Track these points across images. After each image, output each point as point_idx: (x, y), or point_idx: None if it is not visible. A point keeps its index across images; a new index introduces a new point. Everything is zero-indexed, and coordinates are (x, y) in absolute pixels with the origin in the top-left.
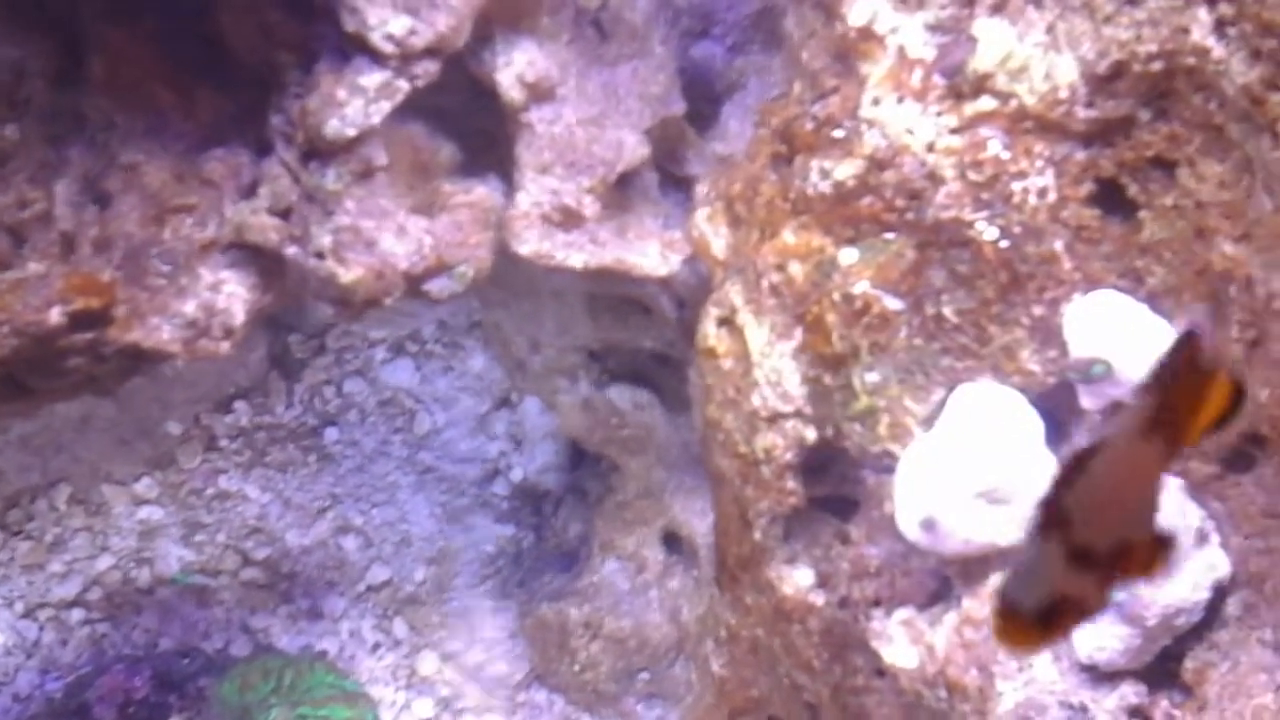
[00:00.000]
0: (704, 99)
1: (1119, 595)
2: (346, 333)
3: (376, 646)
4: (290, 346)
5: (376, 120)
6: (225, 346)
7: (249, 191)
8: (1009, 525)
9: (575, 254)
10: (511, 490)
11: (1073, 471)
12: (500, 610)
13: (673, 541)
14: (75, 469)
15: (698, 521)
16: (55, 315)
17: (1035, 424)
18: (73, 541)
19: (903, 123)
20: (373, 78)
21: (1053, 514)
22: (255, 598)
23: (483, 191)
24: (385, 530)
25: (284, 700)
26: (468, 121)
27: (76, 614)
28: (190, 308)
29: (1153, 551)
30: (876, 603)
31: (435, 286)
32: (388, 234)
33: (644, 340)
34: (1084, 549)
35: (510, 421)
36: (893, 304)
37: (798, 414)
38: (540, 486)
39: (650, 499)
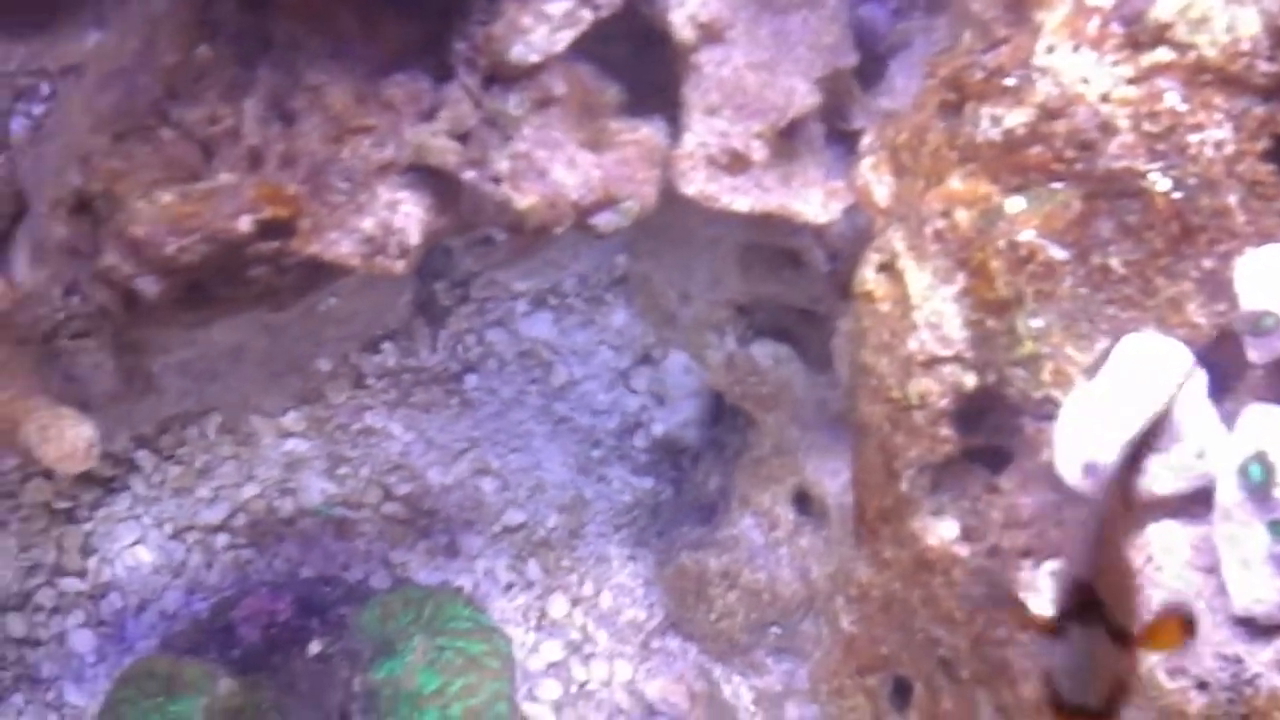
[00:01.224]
0: (868, 57)
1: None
2: (490, 283)
3: (509, 586)
4: (436, 293)
5: (559, 48)
6: (400, 265)
7: (428, 116)
8: (1168, 475)
9: (740, 197)
10: (651, 444)
11: (1093, 554)
12: (634, 559)
13: (803, 500)
14: (227, 398)
15: (829, 481)
16: (245, 223)
17: (1198, 376)
18: (221, 469)
19: (1077, 71)
20: (558, 5)
21: (1090, 600)
22: (395, 532)
23: (648, 131)
24: (521, 475)
25: (423, 630)
26: (631, 71)
27: (222, 539)
28: (368, 224)
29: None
30: (1026, 553)
31: (601, 220)
32: (559, 164)
33: (792, 295)
34: (1121, 631)
35: (652, 377)
36: (1058, 253)
37: (957, 359)
38: (681, 441)
39: (784, 456)
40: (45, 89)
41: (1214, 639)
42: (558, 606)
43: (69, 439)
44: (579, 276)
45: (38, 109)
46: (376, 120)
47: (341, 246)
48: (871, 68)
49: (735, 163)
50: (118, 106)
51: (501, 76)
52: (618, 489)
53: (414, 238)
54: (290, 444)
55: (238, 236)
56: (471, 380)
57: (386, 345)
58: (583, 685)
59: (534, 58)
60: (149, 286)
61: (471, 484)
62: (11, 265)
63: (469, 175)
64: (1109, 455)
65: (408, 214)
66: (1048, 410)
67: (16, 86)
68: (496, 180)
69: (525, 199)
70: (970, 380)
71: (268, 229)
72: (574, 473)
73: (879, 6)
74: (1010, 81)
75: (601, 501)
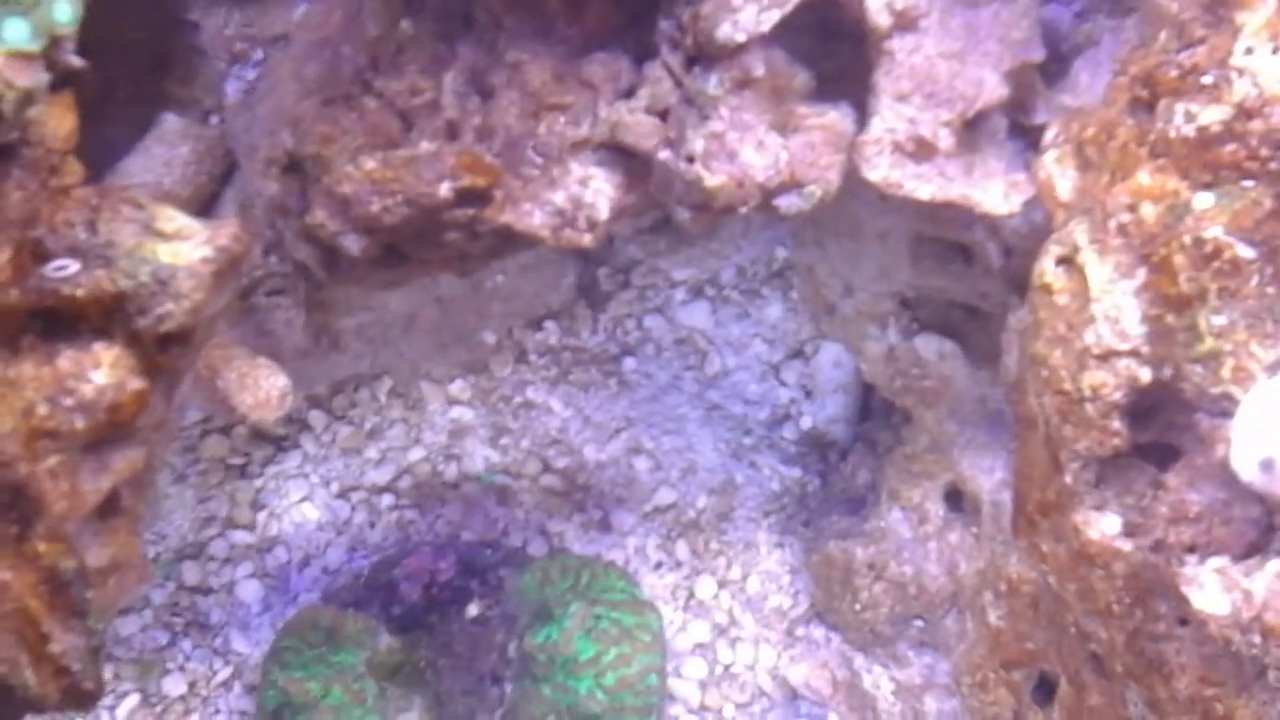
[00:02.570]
0: (1051, 55)
1: None
2: (651, 271)
3: (659, 565)
4: (599, 278)
5: (766, 28)
6: (588, 238)
7: (626, 94)
8: None
9: (923, 185)
10: (799, 436)
11: None
12: (781, 546)
13: (955, 497)
14: (398, 364)
15: (983, 478)
16: (444, 189)
17: None
18: (389, 431)
19: (1276, 73)
20: None
21: None
22: (552, 503)
23: (835, 116)
24: (673, 456)
25: (581, 598)
26: (817, 59)
27: (386, 499)
28: (559, 198)
29: None
30: (1191, 549)
31: (785, 202)
32: (749, 146)
33: (959, 289)
34: None
35: (802, 372)
36: (1245, 251)
37: (1133, 353)
38: (828, 436)
39: (938, 453)
40: (257, 55)
41: None
42: (705, 588)
43: (265, 387)
44: (737, 268)
45: (250, 73)
46: (574, 98)
47: (533, 218)
48: (1054, 65)
49: (921, 150)
50: (324, 75)
51: (705, 56)
52: (767, 476)
53: (603, 213)
54: (456, 411)
55: (437, 201)
56: (629, 363)
57: (549, 324)
58: (728, 667)
59: (740, 37)
60: (352, 243)
61: (625, 462)
62: None
63: (663, 154)
64: None
65: (598, 189)
66: (1225, 407)
67: (233, 51)
68: (690, 159)
69: (715, 178)
70: (1146, 375)
71: (465, 196)
72: (725, 457)
73: (1062, 7)
74: (1207, 80)
75: (751, 487)
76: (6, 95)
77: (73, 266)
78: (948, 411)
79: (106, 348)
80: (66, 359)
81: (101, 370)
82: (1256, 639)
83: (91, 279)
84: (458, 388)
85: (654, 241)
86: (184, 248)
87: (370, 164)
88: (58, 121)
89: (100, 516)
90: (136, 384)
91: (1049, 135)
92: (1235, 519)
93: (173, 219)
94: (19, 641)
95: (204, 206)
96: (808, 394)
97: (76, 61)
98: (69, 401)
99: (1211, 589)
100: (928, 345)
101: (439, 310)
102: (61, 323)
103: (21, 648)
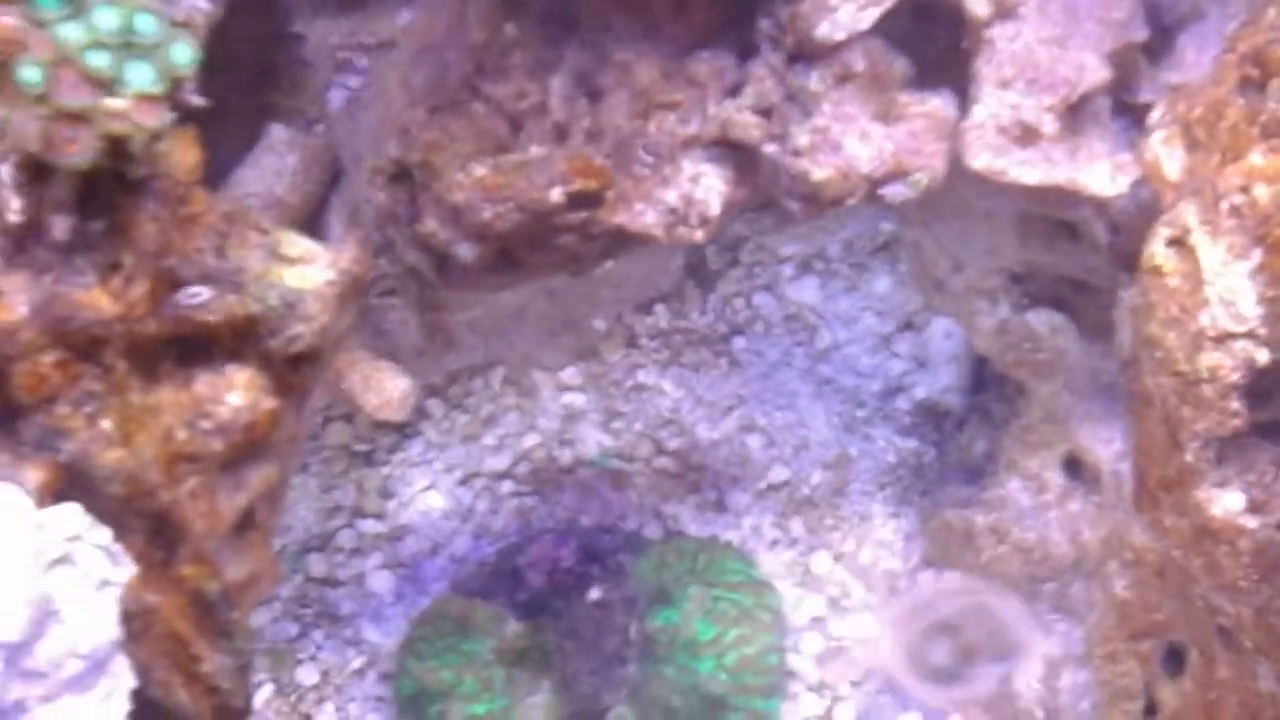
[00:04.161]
0: (1156, 29)
1: None
2: (759, 248)
3: (774, 543)
4: (706, 258)
5: (864, 25)
6: (701, 234)
7: (731, 92)
8: None
9: (1028, 170)
10: (914, 406)
11: None
12: (897, 516)
13: (1073, 466)
14: (510, 354)
15: (1101, 448)
16: (556, 194)
17: None
18: (505, 418)
19: None
20: None
21: None
22: (666, 485)
23: (937, 103)
24: (786, 433)
25: (698, 580)
26: (915, 45)
27: (506, 485)
28: (671, 196)
29: None
30: None
31: (891, 191)
32: (853, 137)
33: (1068, 265)
34: None
35: (914, 343)
36: None
37: (1250, 335)
38: (942, 405)
39: (1054, 424)
40: (361, 63)
41: None
42: (821, 563)
43: (389, 389)
44: (844, 243)
45: (354, 81)
46: (682, 96)
47: (646, 217)
48: (1159, 40)
49: (1025, 135)
50: (430, 82)
51: (805, 54)
52: (881, 448)
53: (714, 209)
54: (568, 397)
55: (549, 206)
56: (739, 342)
57: (658, 307)
58: (841, 640)
59: (839, 35)
60: (465, 251)
61: (739, 440)
62: (328, 228)
63: (770, 149)
64: None
65: (709, 186)
66: None
67: (337, 60)
68: (796, 154)
69: (821, 171)
70: (1263, 356)
71: (577, 200)
72: (839, 431)
73: None
74: None
75: (866, 460)
76: (136, 136)
77: (205, 293)
78: (1062, 384)
79: (240, 370)
80: (202, 383)
81: (236, 392)
82: None
83: (223, 304)
84: (569, 374)
85: (760, 219)
86: (309, 271)
87: (480, 170)
88: (183, 155)
89: (237, 532)
90: (270, 403)
91: (1155, 115)
92: None
93: (296, 243)
94: (172, 664)
95: (313, 213)
96: (920, 365)
97: (198, 100)
98: (206, 424)
99: None
100: (1039, 319)
101: (549, 301)
102: (196, 347)
103: (174, 670)
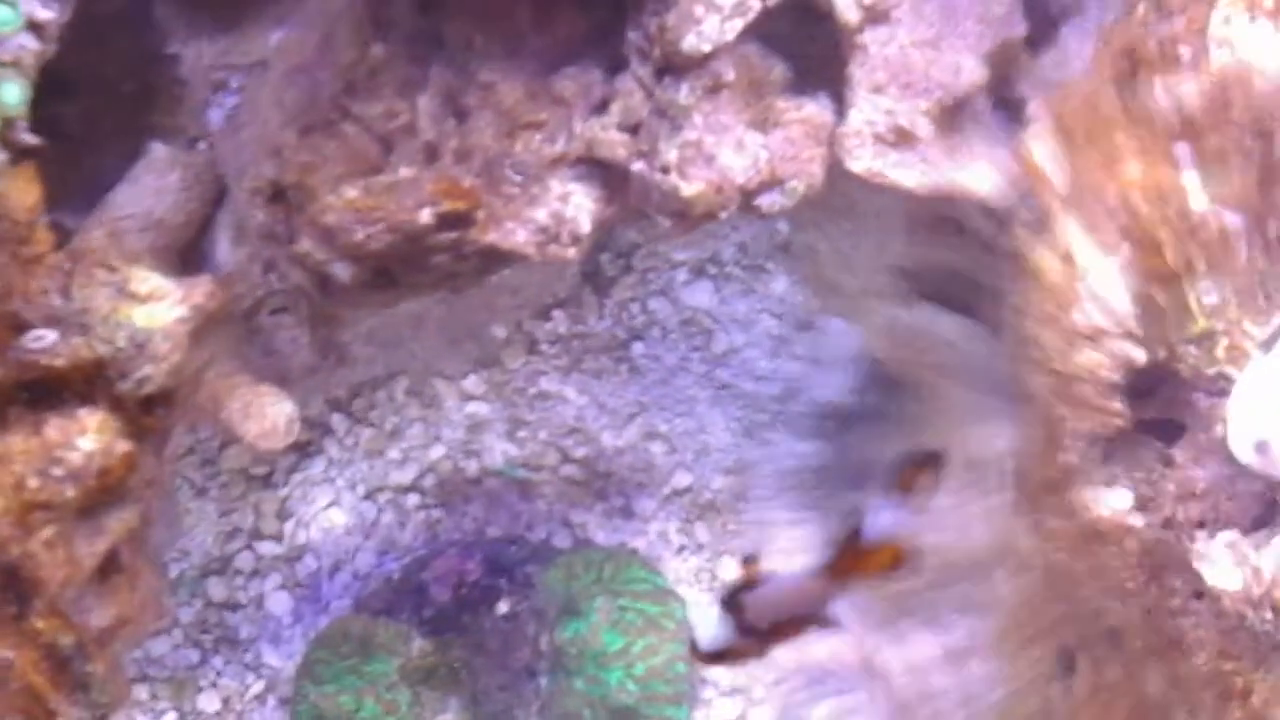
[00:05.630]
0: (1040, 19)
1: None
2: (651, 254)
3: (681, 549)
4: (601, 264)
5: (730, 37)
6: (573, 252)
7: (599, 108)
8: None
9: (907, 173)
10: (813, 409)
11: None
12: (799, 523)
13: (970, 467)
14: (411, 364)
15: (993, 446)
16: (426, 215)
17: None
18: (409, 431)
19: (1253, 42)
20: None
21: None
22: (574, 493)
23: (814, 109)
24: (686, 439)
25: (605, 590)
26: (795, 47)
27: (412, 499)
28: (542, 215)
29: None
30: (1200, 525)
31: (766, 201)
32: (727, 148)
33: (958, 261)
34: None
35: (812, 344)
36: (1232, 221)
37: (1125, 332)
38: (843, 407)
39: (948, 423)
40: (236, 82)
41: None
42: (727, 568)
43: (270, 416)
44: (738, 245)
45: (231, 100)
46: (548, 115)
47: (517, 236)
48: (1041, 32)
49: (901, 139)
50: (301, 101)
51: (674, 67)
52: (781, 453)
53: (585, 226)
54: (472, 407)
55: (419, 227)
56: (638, 347)
57: (556, 313)
58: None
59: (706, 47)
60: (341, 271)
61: (642, 447)
62: (215, 246)
63: (637, 166)
64: None
65: (579, 205)
66: (1222, 386)
67: (212, 80)
68: (665, 170)
69: (692, 187)
70: (1139, 355)
71: (446, 220)
72: (738, 436)
73: None
74: (1185, 51)
75: (766, 465)
76: None
77: (50, 336)
78: (954, 382)
79: (91, 413)
80: (53, 428)
81: (88, 436)
82: (1269, 615)
83: (70, 347)
84: (472, 383)
85: (653, 225)
86: (159, 309)
87: (352, 192)
88: (21, 195)
89: (100, 578)
90: (124, 446)
91: (1031, 109)
92: (1241, 494)
93: (146, 279)
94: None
95: (198, 231)
96: (819, 366)
97: (31, 139)
98: (59, 471)
99: (1223, 564)
100: (929, 317)
101: (447, 308)
102: (45, 392)
103: None
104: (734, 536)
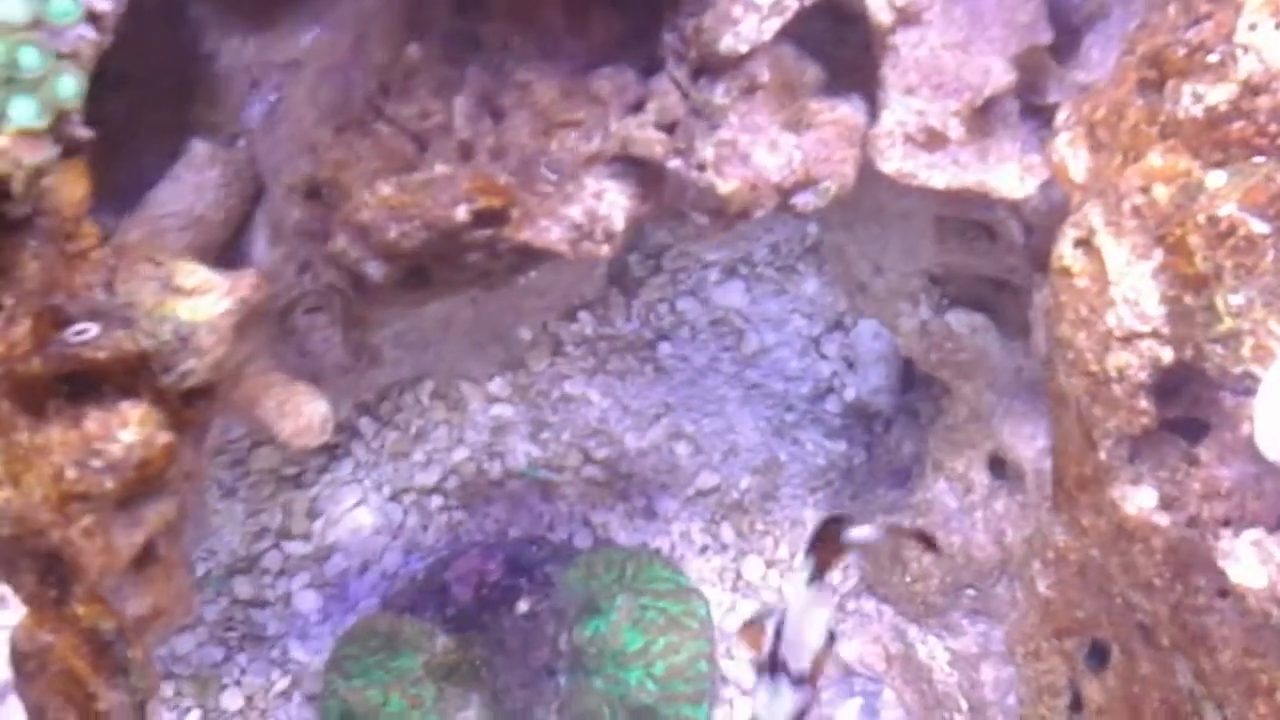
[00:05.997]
0: (1063, 29)
1: None
2: (682, 254)
3: (704, 549)
4: (629, 265)
5: (768, 37)
6: (606, 249)
7: (634, 108)
8: None
9: (937, 174)
10: (843, 409)
11: None
12: None
13: (998, 465)
14: (438, 367)
15: (1024, 446)
16: (461, 212)
17: None
18: (434, 433)
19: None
20: None
21: None
22: (595, 494)
23: (847, 110)
24: (714, 439)
25: (625, 590)
26: (828, 49)
27: (436, 500)
28: (576, 213)
29: None
30: (1226, 523)
31: (801, 200)
32: (761, 148)
33: (986, 266)
34: None
35: (843, 344)
36: (1260, 227)
37: (1154, 334)
38: (872, 406)
39: (979, 423)
40: (275, 79)
41: None
42: (752, 568)
43: (305, 414)
44: (770, 246)
45: (270, 97)
46: (584, 114)
47: (551, 234)
48: (1066, 40)
49: (932, 141)
50: (336, 100)
51: (710, 67)
52: (811, 452)
53: (619, 224)
54: (496, 409)
55: (454, 224)
56: (665, 348)
57: (583, 314)
58: None
59: (743, 48)
60: (374, 270)
61: (666, 448)
62: (252, 244)
63: (674, 164)
64: None
65: (613, 202)
66: (1248, 385)
67: (250, 78)
68: (701, 168)
69: (728, 184)
70: (1168, 355)
71: (482, 217)
72: (768, 436)
73: None
74: (1212, 58)
75: (795, 464)
76: (16, 174)
77: (93, 330)
78: (985, 383)
79: (133, 406)
80: (93, 420)
81: (129, 429)
82: None
83: (112, 340)
84: (497, 386)
85: (683, 225)
86: (204, 303)
87: (386, 190)
88: (70, 189)
89: (137, 568)
90: (164, 439)
91: (1061, 116)
92: (1267, 493)
93: (192, 273)
94: (67, 702)
95: (237, 228)
96: (850, 366)
97: (84, 133)
98: (98, 463)
99: (1248, 562)
100: (959, 320)
101: (474, 311)
102: (86, 384)
103: (70, 709)
104: (761, 536)
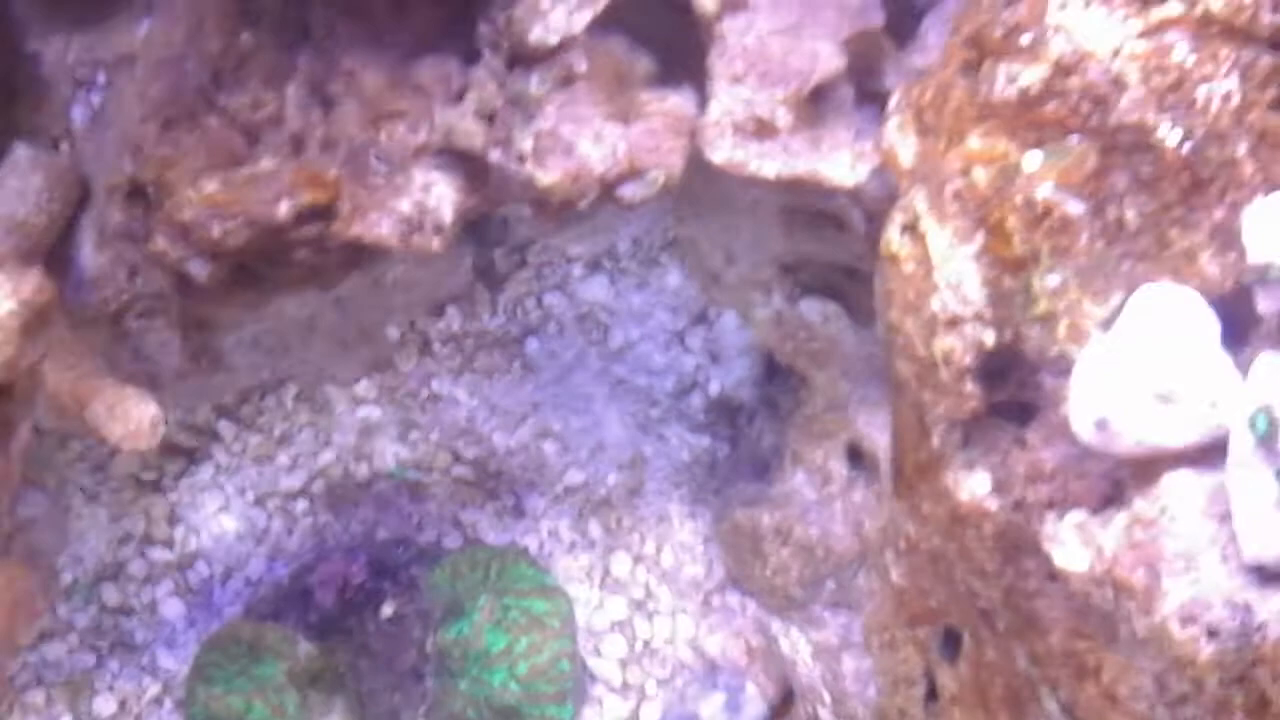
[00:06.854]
0: (904, 12)
1: None
2: (545, 248)
3: (573, 545)
4: (495, 260)
5: (578, 28)
6: (437, 243)
7: (458, 98)
8: (1181, 426)
9: (768, 163)
10: (707, 403)
11: None
12: (694, 516)
13: (856, 455)
14: (301, 369)
15: (879, 435)
16: (284, 208)
17: (1212, 326)
18: (299, 436)
19: (1089, 28)
20: None
21: None
22: (464, 494)
23: (676, 100)
24: (581, 436)
25: (490, 590)
26: (663, 36)
27: (301, 504)
28: (405, 206)
29: None
30: (1050, 506)
31: (627, 191)
32: (585, 139)
33: (835, 254)
34: None
35: (706, 337)
36: (1075, 208)
37: (977, 317)
38: (735, 399)
39: (836, 412)
40: (102, 78)
41: (1225, 587)
42: (620, 565)
43: (135, 417)
44: (632, 240)
45: (96, 98)
46: (409, 104)
47: (381, 228)
48: (905, 24)
49: (761, 130)
50: (166, 94)
51: (523, 58)
52: (675, 447)
53: (448, 217)
54: (363, 411)
55: (278, 221)
56: (532, 344)
57: (450, 309)
58: (647, 642)
59: (553, 39)
60: (198, 269)
61: (534, 446)
62: (79, 249)
63: (494, 155)
64: (1120, 410)
65: (441, 195)
66: (1065, 366)
67: (76, 77)
68: (521, 159)
69: (549, 176)
70: (990, 338)
71: (307, 213)
72: (633, 432)
73: None
74: (1026, 39)
75: (660, 460)
76: None
77: None
78: (839, 371)
79: None
80: None
81: None
82: (1110, 593)
83: None
84: (364, 387)
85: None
86: None
87: (210, 186)
88: None
89: None
90: None
91: (892, 101)
92: (1088, 473)
93: None
94: None
95: (61, 234)
96: (714, 359)
97: None
98: None
99: (1071, 545)
100: (812, 308)
101: (338, 310)
102: None
103: None
104: (628, 533)
